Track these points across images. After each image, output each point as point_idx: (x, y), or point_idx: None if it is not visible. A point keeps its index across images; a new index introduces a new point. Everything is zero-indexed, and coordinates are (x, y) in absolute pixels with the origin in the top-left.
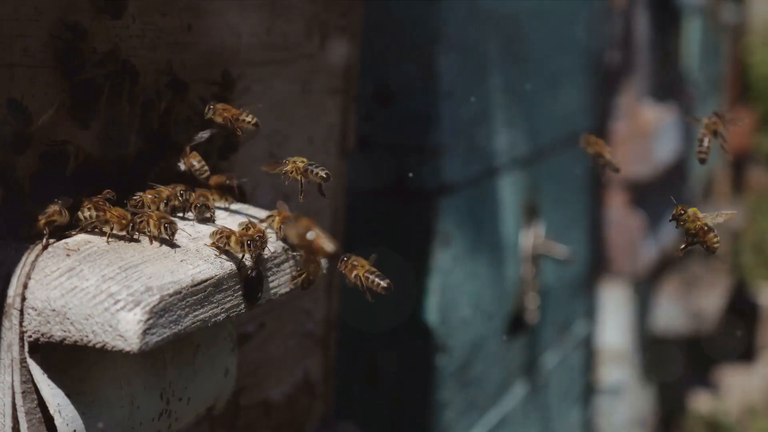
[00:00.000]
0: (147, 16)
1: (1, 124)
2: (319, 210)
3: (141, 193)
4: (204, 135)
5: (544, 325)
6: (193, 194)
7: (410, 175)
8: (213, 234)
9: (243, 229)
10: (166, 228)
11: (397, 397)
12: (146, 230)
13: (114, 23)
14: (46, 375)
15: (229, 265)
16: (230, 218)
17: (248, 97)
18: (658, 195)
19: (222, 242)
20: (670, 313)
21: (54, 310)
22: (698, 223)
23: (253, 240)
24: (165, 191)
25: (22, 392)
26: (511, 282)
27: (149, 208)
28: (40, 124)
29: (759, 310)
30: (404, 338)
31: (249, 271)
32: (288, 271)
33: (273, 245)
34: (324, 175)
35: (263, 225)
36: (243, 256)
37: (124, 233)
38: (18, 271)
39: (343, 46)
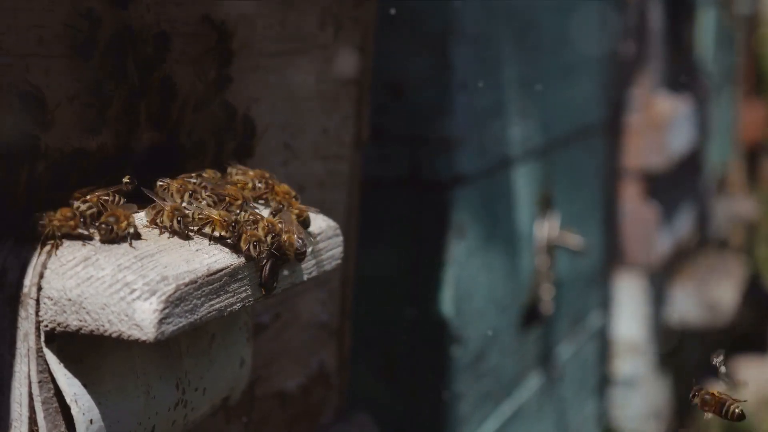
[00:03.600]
0: (161, 6)
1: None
2: (334, 202)
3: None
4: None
5: (559, 316)
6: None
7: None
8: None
9: (252, 227)
10: (179, 221)
11: (412, 388)
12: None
13: (129, 14)
14: (62, 364)
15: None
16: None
17: (263, 88)
18: (673, 186)
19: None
20: (685, 305)
21: (70, 300)
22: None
23: (260, 241)
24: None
25: (39, 382)
26: (526, 273)
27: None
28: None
29: None
30: (419, 330)
31: (264, 261)
32: (304, 262)
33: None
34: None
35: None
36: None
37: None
38: (34, 260)
39: (356, 37)
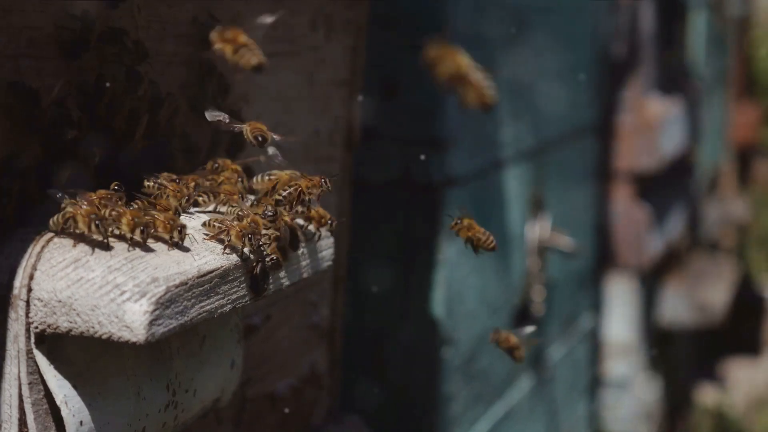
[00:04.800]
0: (152, 7)
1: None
2: (325, 203)
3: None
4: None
5: (550, 318)
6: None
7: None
8: (210, 226)
9: (239, 220)
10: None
11: (403, 389)
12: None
13: (119, 15)
14: (52, 366)
15: (235, 257)
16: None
17: (254, 89)
18: (664, 188)
19: (223, 236)
20: (676, 307)
21: (60, 301)
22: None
23: (254, 233)
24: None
25: (29, 383)
26: (517, 275)
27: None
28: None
29: (765, 304)
30: (410, 331)
31: (255, 263)
32: (295, 263)
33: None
34: None
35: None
36: (243, 249)
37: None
38: (24, 262)
39: (348, 38)
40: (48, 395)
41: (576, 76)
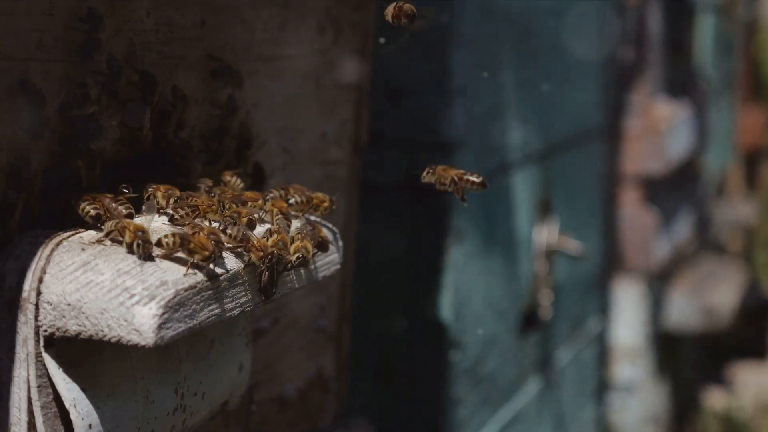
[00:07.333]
0: (161, 11)
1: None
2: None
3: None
4: None
5: (558, 321)
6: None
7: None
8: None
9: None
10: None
11: (410, 393)
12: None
13: (129, 18)
14: (61, 369)
15: (244, 260)
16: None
17: (262, 92)
18: (672, 191)
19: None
20: (684, 310)
21: (69, 305)
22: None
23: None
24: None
25: (38, 386)
26: (525, 278)
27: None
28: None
29: None
30: (417, 334)
31: (263, 267)
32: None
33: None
34: None
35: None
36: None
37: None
38: (33, 265)
39: (355, 42)
40: (57, 398)
41: (583, 80)
